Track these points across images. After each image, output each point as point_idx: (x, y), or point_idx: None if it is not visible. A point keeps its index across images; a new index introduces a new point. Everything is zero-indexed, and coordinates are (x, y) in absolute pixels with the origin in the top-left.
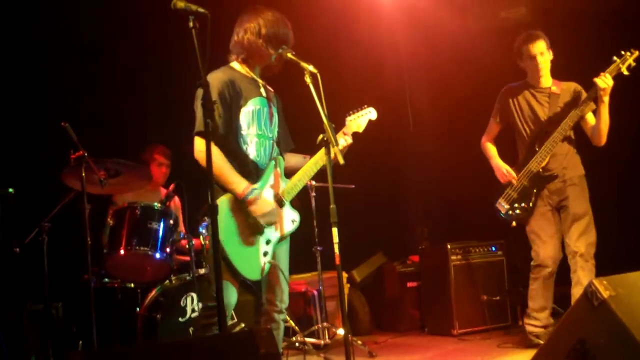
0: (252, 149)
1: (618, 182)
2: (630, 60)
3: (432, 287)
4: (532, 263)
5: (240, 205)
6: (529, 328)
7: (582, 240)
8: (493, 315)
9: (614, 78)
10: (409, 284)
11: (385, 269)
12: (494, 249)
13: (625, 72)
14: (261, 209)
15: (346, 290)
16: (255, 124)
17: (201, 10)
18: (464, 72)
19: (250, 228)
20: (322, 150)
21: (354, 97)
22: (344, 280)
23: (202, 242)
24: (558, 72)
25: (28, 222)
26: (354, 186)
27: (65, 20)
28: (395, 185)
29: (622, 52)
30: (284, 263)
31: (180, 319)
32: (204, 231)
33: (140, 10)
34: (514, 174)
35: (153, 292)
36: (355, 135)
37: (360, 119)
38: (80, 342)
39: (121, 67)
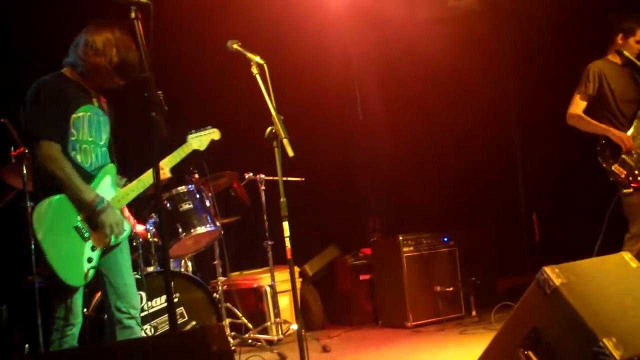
0: (81, 156)
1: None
2: None
3: (384, 280)
4: (627, 235)
5: (75, 210)
6: None
7: None
8: (447, 306)
9: None
10: (362, 277)
11: (337, 263)
12: (445, 239)
13: None
14: (113, 219)
15: (298, 285)
16: (86, 131)
17: (143, 0)
18: (413, 62)
19: (77, 232)
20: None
21: (302, 89)
22: (296, 274)
23: (150, 239)
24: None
25: None
26: (303, 179)
27: None
28: (346, 177)
29: None
30: (125, 268)
31: None
32: (151, 228)
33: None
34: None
35: (100, 293)
36: (299, 129)
37: (203, 138)
38: (27, 345)
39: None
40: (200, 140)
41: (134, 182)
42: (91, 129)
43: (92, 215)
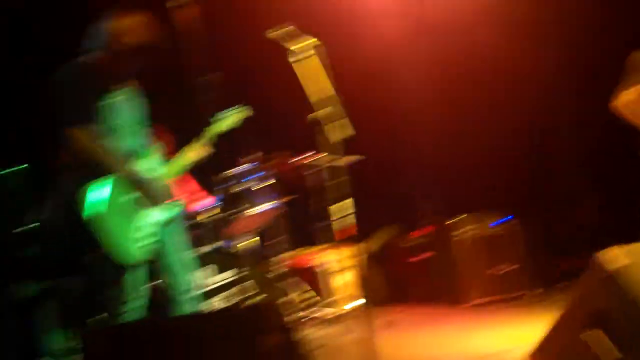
0: (119, 140)
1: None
2: None
3: (445, 258)
4: None
5: (129, 186)
6: None
7: None
8: (508, 285)
9: None
10: (422, 255)
11: (397, 241)
12: (508, 218)
13: None
14: (153, 188)
15: (362, 261)
16: (122, 115)
17: None
18: (466, 35)
19: (134, 210)
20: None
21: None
22: (359, 250)
23: (217, 216)
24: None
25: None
26: (364, 157)
27: None
28: (405, 156)
29: None
30: (178, 244)
31: None
32: (218, 204)
33: None
34: None
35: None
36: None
37: (234, 116)
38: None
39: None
40: (231, 118)
41: (177, 159)
42: (127, 112)
43: (137, 187)
